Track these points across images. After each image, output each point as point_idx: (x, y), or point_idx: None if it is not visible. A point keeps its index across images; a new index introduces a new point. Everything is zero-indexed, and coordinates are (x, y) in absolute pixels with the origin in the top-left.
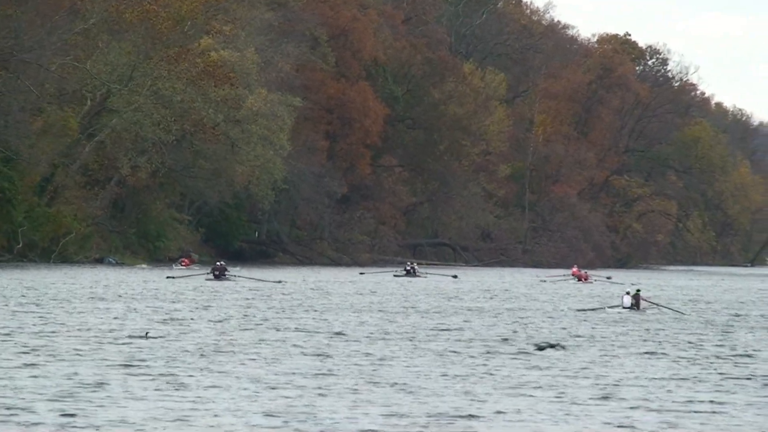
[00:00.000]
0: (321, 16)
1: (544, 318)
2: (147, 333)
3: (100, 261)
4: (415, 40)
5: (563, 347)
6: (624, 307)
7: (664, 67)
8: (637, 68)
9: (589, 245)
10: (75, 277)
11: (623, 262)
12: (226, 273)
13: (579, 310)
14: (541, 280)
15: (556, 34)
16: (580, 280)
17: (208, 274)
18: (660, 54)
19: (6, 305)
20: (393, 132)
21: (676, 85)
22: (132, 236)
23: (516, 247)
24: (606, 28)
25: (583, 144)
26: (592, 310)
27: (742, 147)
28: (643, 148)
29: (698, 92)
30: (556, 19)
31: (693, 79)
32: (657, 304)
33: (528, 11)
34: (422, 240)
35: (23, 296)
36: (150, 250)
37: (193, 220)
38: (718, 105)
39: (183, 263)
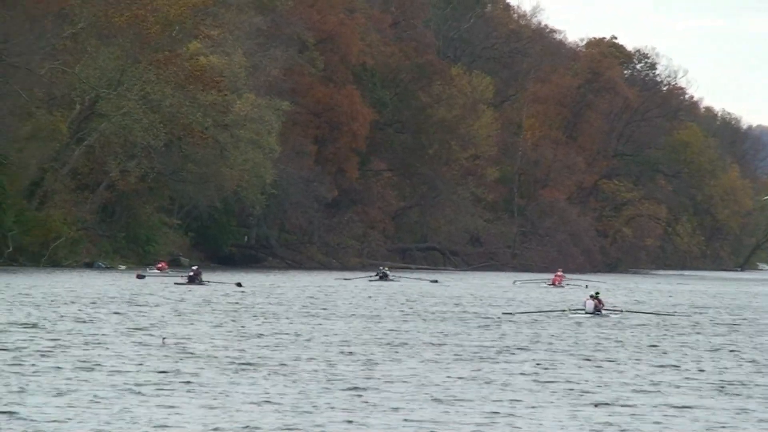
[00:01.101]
0: (308, 20)
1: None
2: (164, 339)
3: (89, 265)
4: (403, 44)
5: None
6: (587, 312)
7: (653, 71)
8: (626, 72)
9: (578, 249)
10: (61, 282)
11: (613, 267)
12: (201, 278)
13: (528, 313)
14: (514, 282)
15: (543, 38)
16: (553, 284)
17: (181, 277)
18: (648, 58)
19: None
20: (381, 136)
21: (665, 89)
22: (121, 240)
23: (505, 252)
24: (594, 32)
25: (572, 148)
26: (544, 312)
27: (732, 151)
28: (632, 152)
29: (687, 96)
30: (543, 23)
31: (682, 83)
32: (621, 309)
33: (515, 15)
34: (411, 244)
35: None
36: (140, 254)
37: (183, 224)
38: (708, 109)
39: (158, 267)
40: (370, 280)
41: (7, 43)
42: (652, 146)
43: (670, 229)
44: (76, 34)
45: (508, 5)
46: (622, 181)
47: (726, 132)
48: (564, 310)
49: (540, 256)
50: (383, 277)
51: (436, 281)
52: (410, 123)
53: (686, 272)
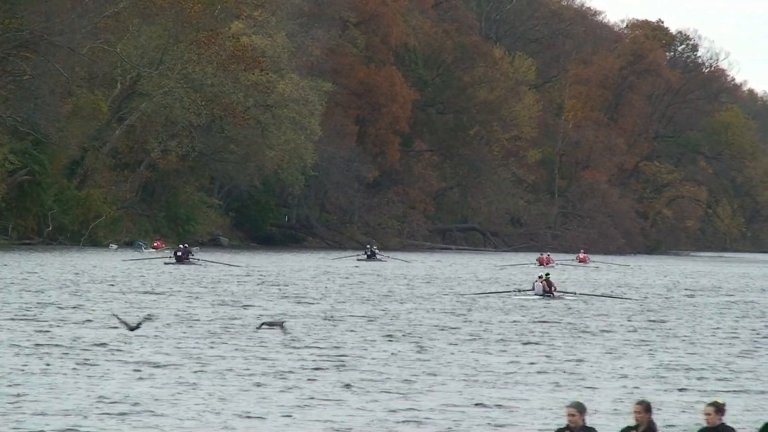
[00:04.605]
0: (350, 0)
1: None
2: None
3: (129, 244)
4: (445, 25)
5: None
6: (537, 294)
7: (695, 53)
8: (668, 54)
9: (619, 231)
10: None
11: (653, 248)
12: (190, 257)
13: (471, 295)
14: (496, 265)
15: (585, 20)
16: (542, 264)
17: (170, 257)
18: (690, 40)
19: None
20: (423, 116)
21: (707, 71)
22: (161, 220)
23: (546, 233)
24: (635, 13)
25: (613, 130)
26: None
27: None
28: (673, 134)
29: (729, 78)
30: (585, 5)
31: (723, 65)
32: (573, 292)
33: None
34: (452, 225)
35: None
36: (179, 233)
37: (223, 204)
38: (750, 91)
39: (155, 246)
40: (358, 259)
41: (48, 22)
42: (693, 128)
43: (711, 210)
44: (118, 13)
45: None
46: (662, 162)
47: (767, 114)
48: (508, 292)
49: (580, 237)
50: (371, 256)
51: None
52: (452, 104)
53: (726, 254)
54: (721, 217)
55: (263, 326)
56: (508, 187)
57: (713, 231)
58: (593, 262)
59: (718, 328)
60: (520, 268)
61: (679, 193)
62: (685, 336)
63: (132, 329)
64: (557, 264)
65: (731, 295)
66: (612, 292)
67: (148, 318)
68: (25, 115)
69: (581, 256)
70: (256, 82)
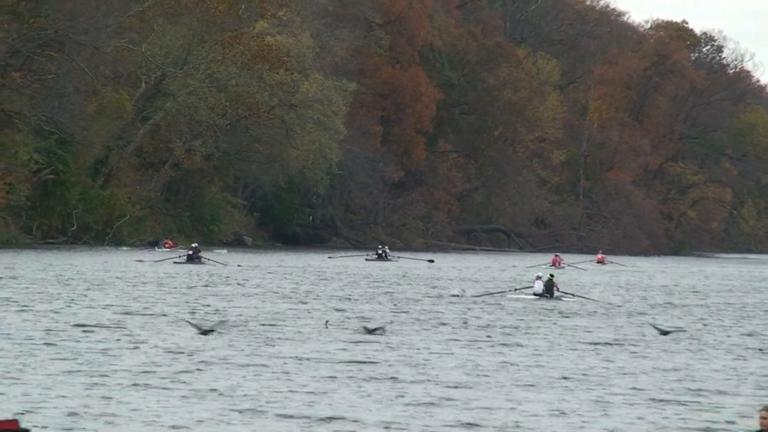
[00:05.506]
0: (376, 1)
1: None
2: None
3: (153, 244)
4: (470, 26)
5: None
6: (535, 294)
7: (719, 54)
8: (692, 55)
9: (643, 232)
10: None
11: (677, 250)
12: (200, 257)
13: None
14: (513, 266)
15: (610, 21)
16: (553, 265)
17: (180, 257)
18: (715, 41)
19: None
20: (448, 117)
21: (731, 72)
22: (186, 219)
23: (570, 234)
24: (659, 13)
25: (637, 130)
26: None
27: None
28: (698, 135)
29: (753, 79)
30: (610, 6)
31: (748, 66)
32: (572, 294)
33: None
34: (476, 225)
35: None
36: (204, 233)
37: (248, 203)
38: None
39: (166, 245)
40: (367, 259)
41: (73, 21)
42: (718, 129)
43: (735, 212)
44: (143, 12)
45: None
46: (687, 163)
47: None
48: (505, 291)
49: (605, 238)
50: (381, 256)
51: (432, 261)
52: (477, 105)
53: (750, 256)
54: (745, 218)
55: None
56: (533, 188)
57: (738, 232)
58: (612, 263)
59: (712, 332)
60: (533, 269)
61: (703, 194)
62: (683, 341)
63: (204, 333)
64: (566, 265)
65: (737, 297)
66: (605, 294)
67: (222, 322)
68: (49, 114)
69: (599, 257)
70: (281, 82)
